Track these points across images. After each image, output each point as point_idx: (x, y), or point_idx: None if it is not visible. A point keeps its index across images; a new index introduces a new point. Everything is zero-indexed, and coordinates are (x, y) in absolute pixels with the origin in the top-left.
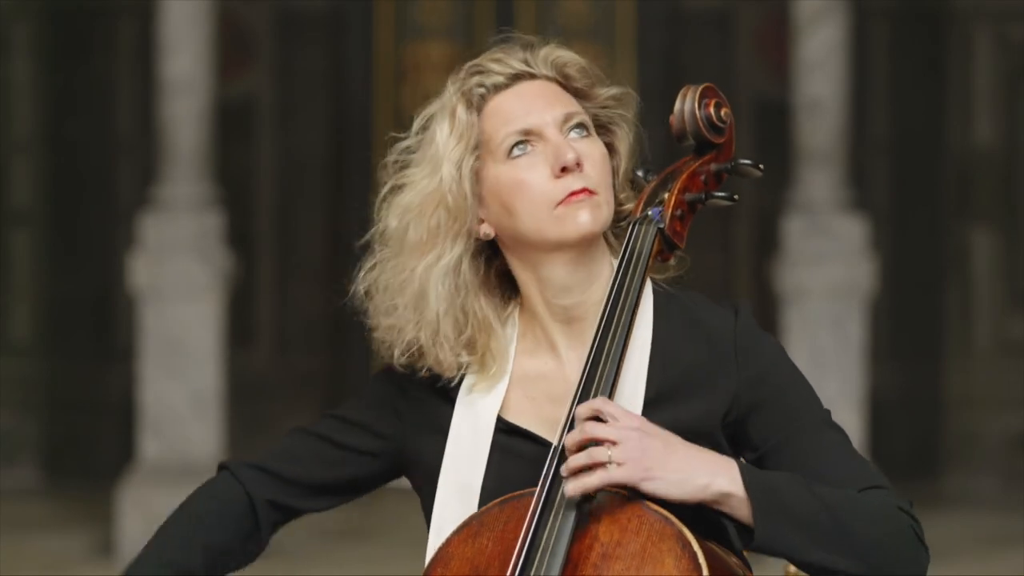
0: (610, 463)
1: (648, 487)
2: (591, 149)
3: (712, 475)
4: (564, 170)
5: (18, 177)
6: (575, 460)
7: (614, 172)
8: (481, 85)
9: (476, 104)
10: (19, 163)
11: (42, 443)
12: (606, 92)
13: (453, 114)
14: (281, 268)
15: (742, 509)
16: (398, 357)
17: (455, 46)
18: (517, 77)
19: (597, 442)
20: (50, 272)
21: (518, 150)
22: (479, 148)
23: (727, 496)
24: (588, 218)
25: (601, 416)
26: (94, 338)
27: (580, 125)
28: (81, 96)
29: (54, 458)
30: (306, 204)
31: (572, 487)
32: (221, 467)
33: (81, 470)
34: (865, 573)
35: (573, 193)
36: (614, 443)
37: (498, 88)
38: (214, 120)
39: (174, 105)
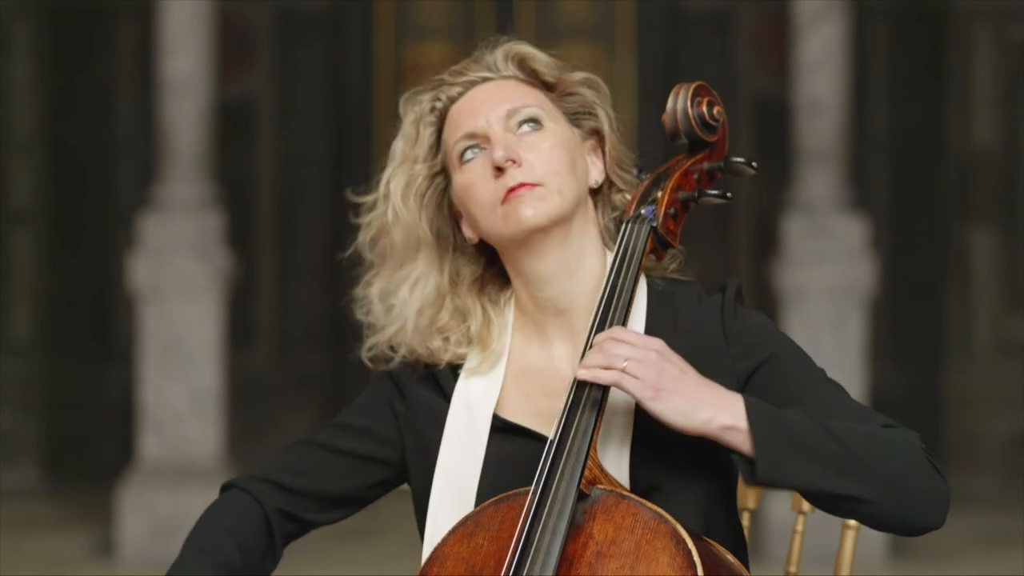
0: (625, 372)
1: (653, 406)
2: (540, 140)
3: (717, 410)
4: (499, 169)
5: (18, 177)
6: (592, 356)
7: (605, 154)
8: (437, 99)
9: (430, 120)
10: (19, 163)
11: (42, 443)
12: (572, 78)
13: (405, 133)
14: (281, 268)
15: (746, 443)
16: (369, 348)
17: (455, 46)
18: (471, 83)
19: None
20: (50, 272)
21: (469, 154)
22: (436, 160)
23: (729, 429)
24: (530, 212)
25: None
26: (94, 338)
27: (530, 120)
28: (81, 96)
29: (54, 458)
30: (306, 204)
31: (584, 373)
32: (225, 487)
33: (81, 470)
34: (882, 500)
35: (511, 190)
36: (633, 359)
37: (453, 99)
38: (214, 120)
39: (174, 105)
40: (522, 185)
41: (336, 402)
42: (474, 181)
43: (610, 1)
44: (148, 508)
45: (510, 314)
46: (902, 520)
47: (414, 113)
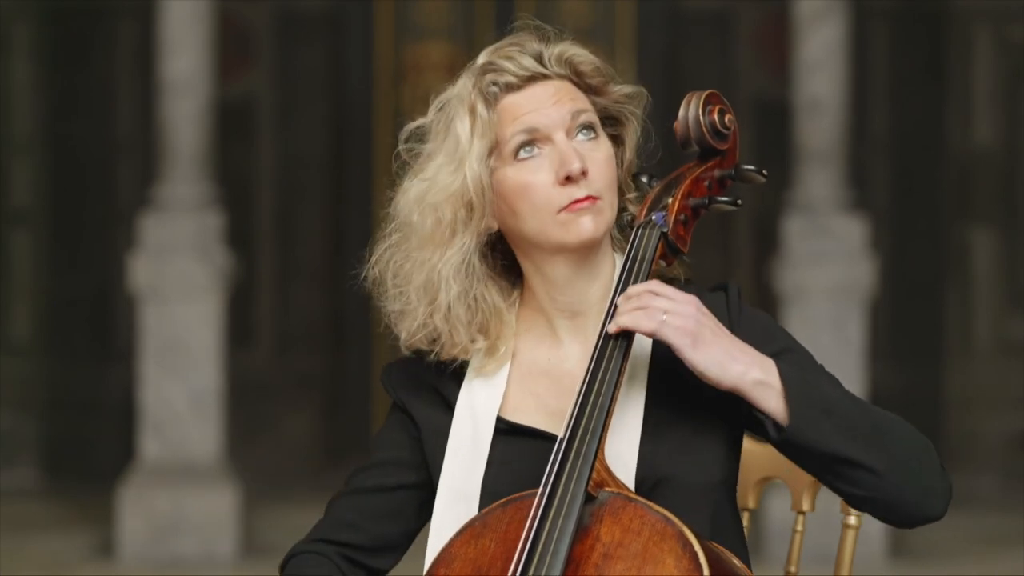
0: (665, 319)
1: (690, 355)
2: (597, 152)
3: (750, 365)
4: (568, 178)
5: (18, 177)
6: (633, 301)
7: (620, 164)
8: (494, 84)
9: (492, 101)
10: (19, 163)
11: (42, 443)
12: (619, 90)
13: (473, 111)
14: (281, 268)
15: (774, 399)
16: (405, 340)
17: (455, 46)
18: (530, 79)
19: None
20: (50, 272)
21: (524, 152)
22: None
23: (760, 384)
24: (591, 225)
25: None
26: (94, 338)
27: (588, 126)
28: (81, 96)
29: (54, 458)
30: (306, 204)
31: (624, 319)
32: (287, 559)
33: (81, 470)
34: (892, 476)
35: (577, 201)
36: (672, 311)
37: (510, 88)
38: (214, 120)
39: (174, 105)
40: (588, 198)
41: (336, 402)
42: (532, 182)
43: (610, 1)
44: (148, 508)
45: (516, 317)
46: (905, 503)
47: (480, 92)
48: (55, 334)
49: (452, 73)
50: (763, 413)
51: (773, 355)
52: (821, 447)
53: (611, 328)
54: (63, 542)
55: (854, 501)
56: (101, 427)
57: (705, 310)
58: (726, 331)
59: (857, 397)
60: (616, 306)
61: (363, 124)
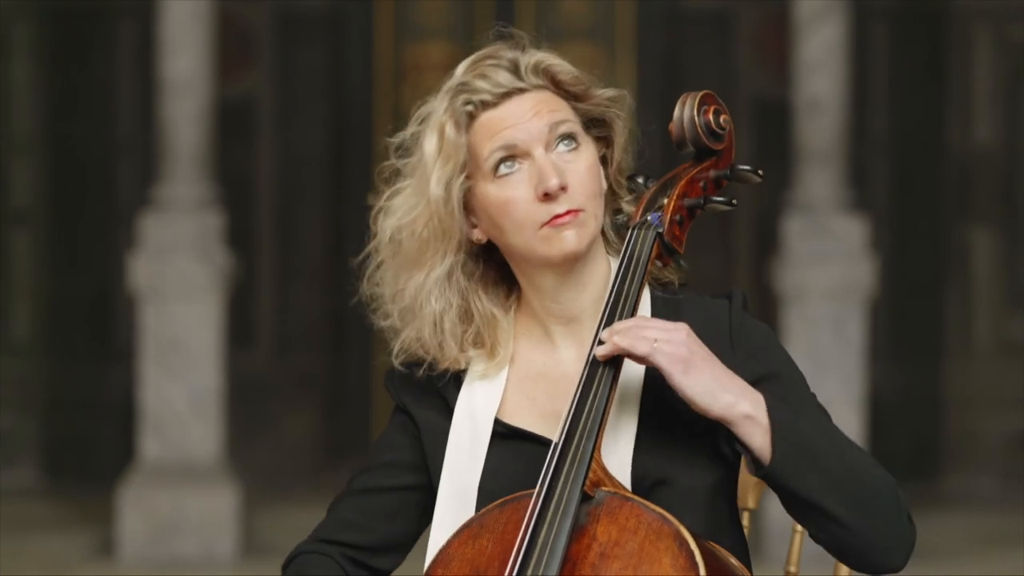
0: (656, 345)
1: (680, 381)
2: (577, 163)
3: (739, 396)
4: (547, 195)
5: (18, 177)
6: (624, 323)
7: (609, 163)
8: (468, 103)
9: (464, 123)
10: (19, 163)
11: (42, 443)
12: (600, 94)
13: (442, 133)
14: (281, 268)
15: (759, 436)
16: (396, 355)
17: (455, 46)
18: (506, 95)
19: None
20: (50, 272)
21: (504, 168)
22: (468, 166)
23: (747, 418)
24: (574, 239)
25: None
26: (94, 338)
27: (568, 136)
28: (81, 96)
29: (54, 458)
30: (306, 204)
31: (618, 340)
32: (289, 559)
33: (81, 470)
34: (860, 529)
35: (557, 216)
36: (663, 340)
37: (486, 105)
38: (214, 120)
39: (174, 105)
40: (569, 212)
41: (336, 402)
42: (513, 198)
43: (610, 1)
44: (148, 508)
45: (513, 321)
46: (870, 551)
47: (452, 113)
48: (55, 334)
49: None
50: (744, 447)
51: (765, 373)
52: (796, 492)
53: (601, 353)
54: (63, 542)
55: (818, 542)
56: (101, 427)
57: (695, 337)
58: (717, 360)
59: (837, 434)
60: (604, 325)
61: (363, 124)
